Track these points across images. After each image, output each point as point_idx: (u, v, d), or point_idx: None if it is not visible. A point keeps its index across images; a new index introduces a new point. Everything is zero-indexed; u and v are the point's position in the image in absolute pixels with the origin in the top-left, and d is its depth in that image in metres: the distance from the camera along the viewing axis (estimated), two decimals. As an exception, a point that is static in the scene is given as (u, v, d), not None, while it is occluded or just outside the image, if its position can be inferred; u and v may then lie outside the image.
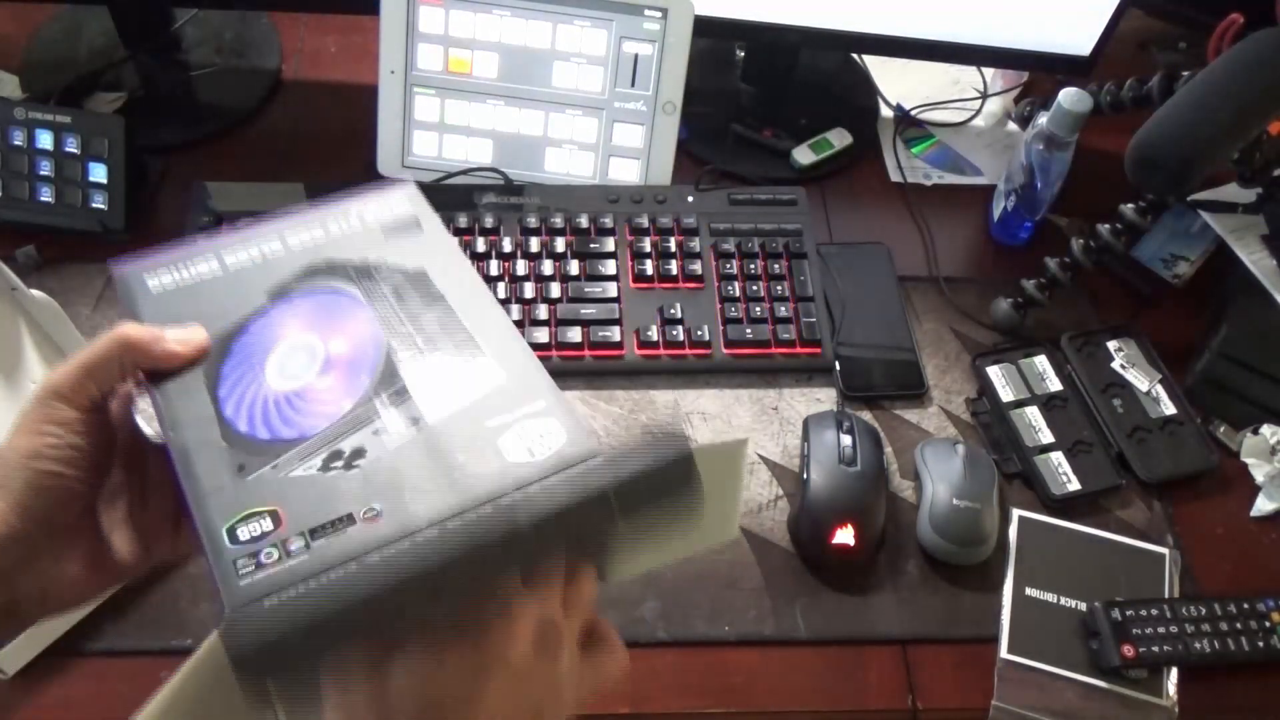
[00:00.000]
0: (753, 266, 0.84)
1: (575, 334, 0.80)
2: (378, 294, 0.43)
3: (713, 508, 0.41)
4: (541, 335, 0.80)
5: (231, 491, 0.36)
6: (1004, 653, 0.68)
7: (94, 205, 0.84)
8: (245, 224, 0.46)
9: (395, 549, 0.34)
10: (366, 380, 0.40)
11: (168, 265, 0.44)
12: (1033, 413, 0.80)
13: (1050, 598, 0.70)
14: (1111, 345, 0.84)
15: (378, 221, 0.47)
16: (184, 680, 0.32)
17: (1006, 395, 0.81)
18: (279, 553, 0.34)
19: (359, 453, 0.37)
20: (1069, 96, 0.82)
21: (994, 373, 0.82)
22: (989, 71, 1.06)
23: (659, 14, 0.84)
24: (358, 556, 0.34)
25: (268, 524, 0.35)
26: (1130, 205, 0.82)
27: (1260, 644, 0.68)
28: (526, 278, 0.83)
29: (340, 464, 0.37)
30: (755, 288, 0.84)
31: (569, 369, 0.79)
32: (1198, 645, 0.67)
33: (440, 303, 0.43)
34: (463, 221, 0.84)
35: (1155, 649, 0.67)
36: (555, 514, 0.34)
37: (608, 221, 0.85)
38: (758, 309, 0.82)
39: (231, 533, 0.35)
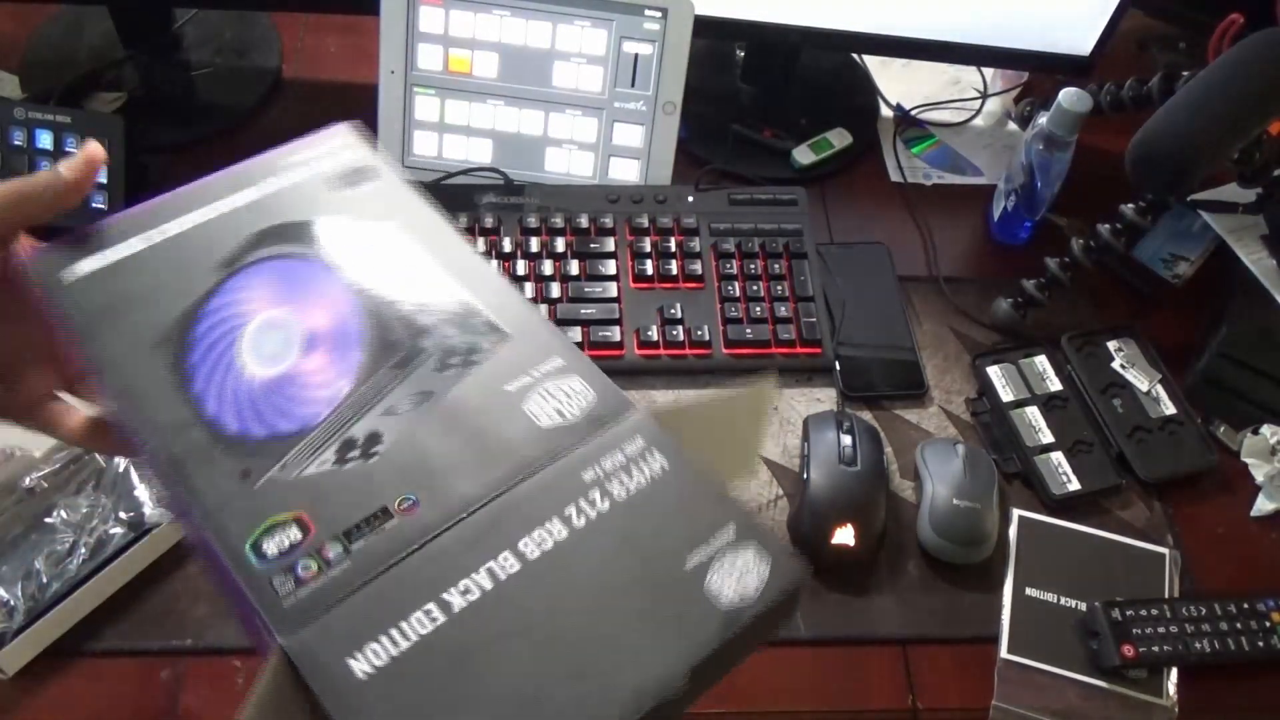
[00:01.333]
0: (753, 266, 0.84)
1: (575, 334, 0.80)
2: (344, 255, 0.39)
3: (736, 447, 0.38)
4: (541, 335, 0.80)
5: (243, 502, 0.32)
6: (1004, 653, 0.68)
7: (94, 205, 0.84)
8: (160, 197, 0.40)
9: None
10: (359, 355, 0.36)
11: (82, 251, 0.39)
12: (1033, 413, 0.80)
13: (1050, 598, 0.70)
14: (1111, 345, 0.84)
15: (322, 173, 0.41)
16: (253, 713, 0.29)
17: (1006, 395, 0.81)
18: (317, 564, 0.30)
19: (374, 438, 0.33)
20: (1069, 96, 0.82)
21: (994, 373, 0.82)
22: (989, 71, 1.06)
23: (659, 14, 0.84)
24: (403, 554, 0.31)
25: (295, 533, 0.31)
26: (1130, 205, 0.82)
27: (1260, 644, 0.68)
28: (526, 278, 0.83)
29: (357, 453, 0.33)
30: (755, 288, 0.84)
31: (569, 369, 0.79)
32: (1198, 645, 0.67)
33: (419, 258, 0.39)
34: (463, 221, 0.84)
35: (1155, 649, 0.67)
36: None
37: (608, 221, 0.85)
38: (758, 309, 0.82)
39: (257, 549, 0.31)
